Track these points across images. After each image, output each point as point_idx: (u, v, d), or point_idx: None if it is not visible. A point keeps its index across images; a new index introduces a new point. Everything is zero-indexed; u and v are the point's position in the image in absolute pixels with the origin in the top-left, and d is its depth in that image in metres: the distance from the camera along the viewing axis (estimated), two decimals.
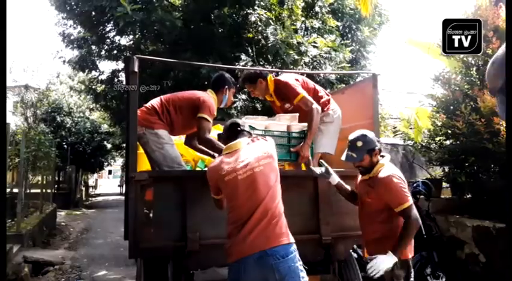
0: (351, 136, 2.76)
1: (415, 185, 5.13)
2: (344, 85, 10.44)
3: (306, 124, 3.50)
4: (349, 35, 11.32)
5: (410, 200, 2.57)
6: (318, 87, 3.86)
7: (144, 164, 3.77)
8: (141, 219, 2.81)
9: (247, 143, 2.52)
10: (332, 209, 3.21)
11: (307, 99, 3.49)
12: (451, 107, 4.97)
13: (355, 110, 3.72)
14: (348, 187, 3.02)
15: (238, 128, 2.59)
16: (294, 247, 2.32)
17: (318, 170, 3.01)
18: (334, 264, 3.28)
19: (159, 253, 2.92)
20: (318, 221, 3.17)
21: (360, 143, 2.68)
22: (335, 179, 2.99)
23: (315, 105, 3.48)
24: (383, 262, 2.45)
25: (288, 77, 3.69)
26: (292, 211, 3.18)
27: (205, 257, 2.87)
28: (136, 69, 2.97)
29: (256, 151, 2.45)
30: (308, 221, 3.17)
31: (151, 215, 2.84)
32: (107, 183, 40.05)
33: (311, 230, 3.17)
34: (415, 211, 2.57)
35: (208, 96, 3.40)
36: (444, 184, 5.84)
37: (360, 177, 2.91)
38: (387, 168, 2.67)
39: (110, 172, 47.46)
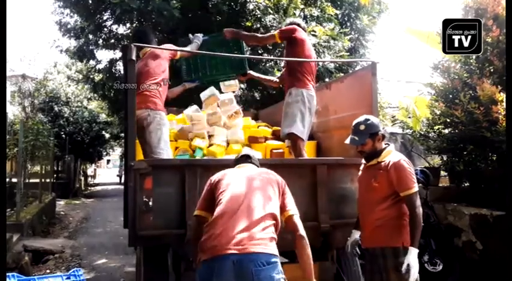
0: (355, 120, 2.81)
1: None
2: (343, 74, 10.42)
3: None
4: (348, 24, 11.24)
5: (417, 188, 2.61)
6: (313, 67, 3.88)
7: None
8: (140, 207, 2.82)
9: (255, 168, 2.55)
10: (330, 197, 3.22)
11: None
12: (450, 96, 4.96)
13: (354, 98, 3.70)
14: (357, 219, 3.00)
15: (249, 159, 2.60)
16: (278, 260, 2.07)
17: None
18: (333, 251, 3.31)
19: (158, 241, 2.93)
20: (316, 209, 3.19)
21: (362, 127, 2.72)
22: (356, 235, 2.98)
23: (276, 32, 3.86)
24: (415, 261, 2.49)
25: (294, 25, 3.90)
26: None
27: None
28: (134, 58, 2.96)
29: (264, 172, 2.46)
30: (307, 208, 3.18)
31: (150, 203, 2.85)
32: (106, 173, 40.09)
33: (310, 217, 3.18)
34: (419, 199, 2.61)
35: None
36: (442, 172, 5.86)
37: (362, 165, 2.91)
38: (397, 154, 2.72)
39: (108, 162, 47.59)
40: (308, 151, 3.95)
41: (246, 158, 2.61)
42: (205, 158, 4.05)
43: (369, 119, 2.76)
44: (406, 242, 2.60)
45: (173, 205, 2.92)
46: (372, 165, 2.76)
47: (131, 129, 3.02)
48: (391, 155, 2.71)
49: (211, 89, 4.64)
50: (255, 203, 2.16)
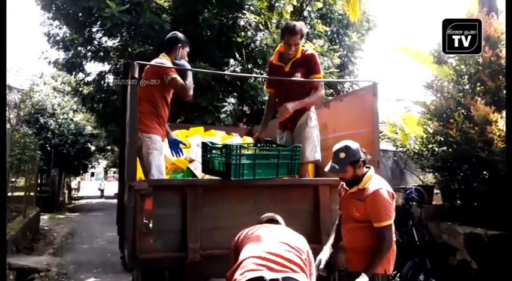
0: (335, 147, 2.72)
1: (408, 192, 5.16)
2: (332, 91, 10.54)
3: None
4: (338, 41, 11.45)
5: (392, 220, 2.54)
6: None
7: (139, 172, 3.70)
8: (140, 229, 2.75)
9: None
10: (333, 219, 3.17)
11: (321, 80, 3.72)
12: (444, 115, 5.00)
13: (355, 118, 3.70)
14: (336, 235, 2.92)
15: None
16: None
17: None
18: (335, 274, 3.27)
19: (159, 264, 2.86)
20: (319, 231, 3.16)
21: (342, 155, 2.63)
22: (326, 254, 2.83)
23: (323, 91, 3.72)
24: None
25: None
26: (293, 220, 3.17)
27: (206, 268, 2.82)
28: (136, 75, 2.91)
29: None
30: (309, 231, 3.15)
31: (151, 225, 2.78)
32: (90, 185, 39.39)
33: (312, 240, 3.13)
34: (392, 232, 2.55)
35: (160, 60, 3.48)
36: (435, 190, 5.89)
37: (343, 190, 2.83)
38: (376, 180, 2.64)
39: (92, 174, 46.82)
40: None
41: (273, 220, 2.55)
42: (206, 178, 3.98)
43: (349, 147, 2.66)
44: (388, 270, 2.58)
45: (174, 226, 2.86)
46: (353, 192, 2.70)
47: (132, 146, 2.95)
48: (372, 181, 2.63)
49: None
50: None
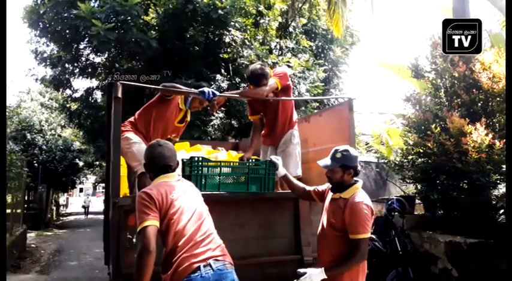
0: (337, 147, 2.78)
1: (389, 202, 5.28)
2: (318, 104, 10.72)
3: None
4: (322, 55, 11.66)
5: (368, 235, 2.56)
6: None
7: (124, 188, 3.77)
8: (124, 245, 2.81)
9: (178, 179, 2.49)
10: (313, 229, 3.26)
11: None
12: (422, 127, 5.16)
13: (333, 132, 3.84)
14: (299, 184, 3.07)
15: (169, 170, 2.43)
16: None
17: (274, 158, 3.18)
18: None
19: None
20: (299, 242, 3.25)
21: (339, 155, 2.68)
22: (281, 171, 3.11)
23: (265, 88, 3.63)
24: (314, 276, 2.48)
25: (286, 71, 3.91)
26: (273, 232, 3.27)
27: None
28: (120, 95, 3.00)
29: (191, 188, 2.48)
30: (289, 242, 3.24)
31: (134, 240, 2.84)
32: (78, 201, 38.89)
33: (292, 251, 3.24)
34: (366, 247, 2.57)
35: None
36: (417, 201, 6.02)
37: (329, 195, 2.83)
38: (362, 195, 2.67)
39: (81, 190, 46.36)
40: None
41: (168, 169, 2.43)
42: None
43: (348, 151, 2.70)
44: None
45: (157, 241, 2.90)
46: (335, 199, 2.72)
47: (116, 164, 3.02)
48: (356, 194, 2.65)
49: None
50: (207, 229, 2.36)
